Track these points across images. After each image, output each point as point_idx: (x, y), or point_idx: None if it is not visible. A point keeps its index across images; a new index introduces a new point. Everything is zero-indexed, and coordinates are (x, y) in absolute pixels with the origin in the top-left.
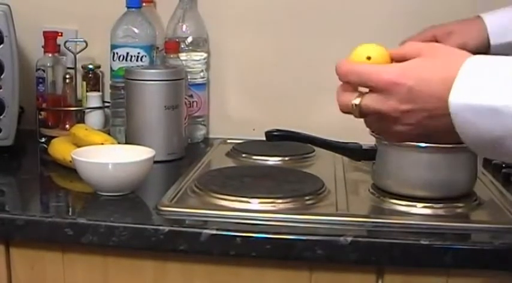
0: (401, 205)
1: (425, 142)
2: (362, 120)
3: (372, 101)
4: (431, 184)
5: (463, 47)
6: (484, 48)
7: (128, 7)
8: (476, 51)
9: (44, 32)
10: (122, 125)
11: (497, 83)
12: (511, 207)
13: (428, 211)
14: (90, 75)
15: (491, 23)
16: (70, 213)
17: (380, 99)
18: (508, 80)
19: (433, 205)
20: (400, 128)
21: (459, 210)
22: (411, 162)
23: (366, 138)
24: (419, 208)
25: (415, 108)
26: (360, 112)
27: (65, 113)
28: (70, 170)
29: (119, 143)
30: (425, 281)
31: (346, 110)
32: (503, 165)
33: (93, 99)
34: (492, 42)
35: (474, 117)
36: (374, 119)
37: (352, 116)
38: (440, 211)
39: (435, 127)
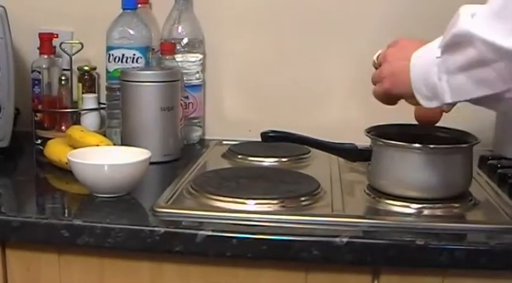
0: (397, 206)
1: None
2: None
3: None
4: (426, 185)
5: None
6: None
7: (124, 8)
8: None
9: (40, 34)
10: (117, 127)
11: (435, 41)
12: (506, 208)
13: (423, 211)
14: (85, 77)
15: None
16: (66, 215)
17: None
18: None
19: (429, 205)
20: (384, 66)
21: (455, 211)
22: (406, 163)
23: (361, 139)
24: (414, 209)
25: (397, 50)
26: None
27: (60, 115)
28: (66, 172)
29: (114, 145)
30: (421, 281)
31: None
32: (499, 166)
33: (88, 100)
34: None
35: (416, 62)
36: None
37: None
38: (435, 212)
39: (400, 64)
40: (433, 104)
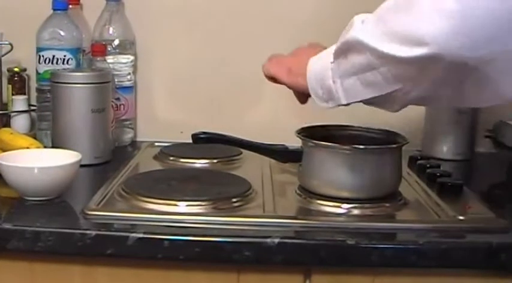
0: (328, 206)
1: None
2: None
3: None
4: (357, 185)
5: None
6: None
7: (54, 9)
8: None
9: None
10: (48, 129)
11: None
12: (435, 207)
13: (354, 211)
14: (15, 78)
15: None
16: None
17: None
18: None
19: (359, 205)
20: (287, 57)
21: (385, 210)
22: (336, 163)
23: (291, 140)
24: (345, 209)
25: (308, 48)
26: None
27: None
28: None
29: (45, 147)
30: (352, 281)
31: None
32: (428, 166)
33: (18, 102)
34: None
35: (313, 64)
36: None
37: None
38: (366, 212)
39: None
40: (329, 105)
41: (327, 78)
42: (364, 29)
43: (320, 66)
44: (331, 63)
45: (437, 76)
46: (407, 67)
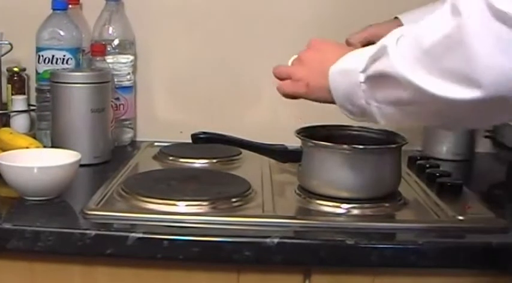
0: (328, 206)
1: (306, 92)
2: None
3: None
4: (356, 185)
5: None
6: None
7: (54, 9)
8: None
9: None
10: (47, 129)
11: (355, 55)
12: (434, 207)
13: (354, 211)
14: (15, 78)
15: (408, 23)
16: None
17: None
18: (362, 52)
19: (359, 205)
20: (298, 68)
21: (384, 210)
22: (336, 164)
23: (291, 140)
24: (344, 209)
25: (315, 54)
26: (292, 61)
27: None
28: None
29: (44, 147)
30: (352, 281)
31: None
32: (427, 166)
33: (18, 102)
34: None
35: (337, 77)
36: (295, 63)
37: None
38: (365, 212)
39: (317, 70)
40: (364, 120)
41: (358, 97)
42: (405, 62)
43: (347, 84)
44: (362, 83)
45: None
46: (460, 107)
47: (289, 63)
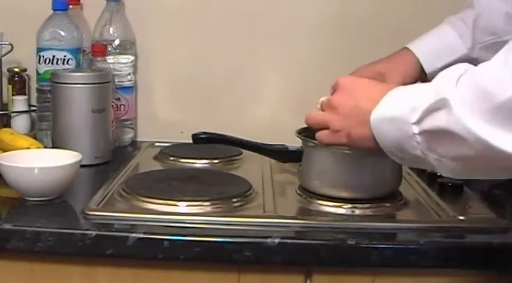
0: (328, 206)
1: (347, 143)
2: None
3: (328, 97)
4: (357, 185)
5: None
6: (421, 79)
7: (54, 9)
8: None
9: None
10: (48, 129)
11: (399, 100)
12: (435, 206)
13: (354, 211)
14: (15, 79)
15: (421, 53)
16: None
17: (333, 95)
18: (406, 97)
19: (359, 205)
20: (335, 117)
21: (385, 210)
22: (336, 164)
23: (292, 140)
24: (345, 209)
25: (348, 100)
26: (322, 105)
27: None
28: None
29: (45, 147)
30: (352, 281)
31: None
32: None
33: (19, 102)
34: (427, 71)
35: (382, 126)
36: (326, 110)
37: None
38: (366, 212)
39: (354, 119)
40: (419, 167)
41: (412, 148)
42: (474, 119)
43: (396, 133)
44: (416, 135)
45: None
46: None
47: (318, 106)
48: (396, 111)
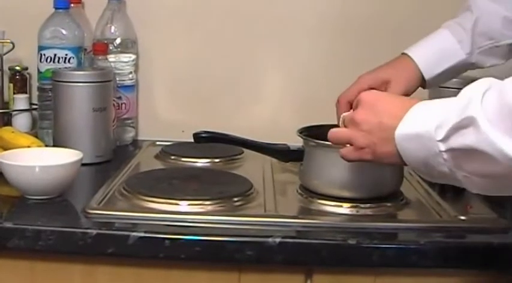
0: (329, 206)
1: (372, 159)
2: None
3: (350, 113)
4: (358, 184)
5: (406, 95)
6: (422, 85)
7: (56, 8)
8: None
9: None
10: (49, 128)
11: (423, 117)
12: (436, 206)
13: (355, 211)
14: (17, 77)
15: (420, 60)
16: None
17: (355, 111)
18: (430, 114)
19: (361, 205)
20: (358, 134)
21: (386, 210)
22: (338, 163)
23: (293, 139)
24: (346, 209)
25: (372, 116)
26: (343, 121)
27: None
28: None
29: (46, 146)
30: (353, 281)
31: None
32: None
33: (20, 101)
34: (426, 77)
35: (407, 143)
36: (349, 126)
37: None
38: (367, 211)
39: (379, 136)
40: (447, 182)
41: (439, 165)
42: (505, 138)
43: (422, 150)
44: (442, 152)
45: None
46: None
47: (340, 123)
48: (421, 128)
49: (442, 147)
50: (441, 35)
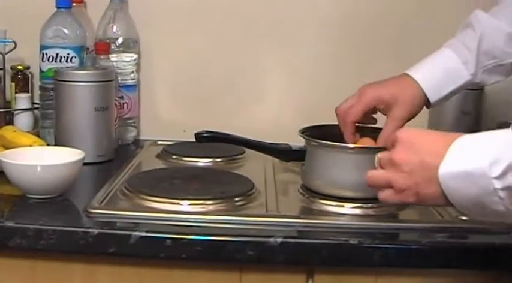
0: (331, 206)
1: (415, 202)
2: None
3: (387, 153)
4: (359, 184)
5: (411, 115)
6: (425, 105)
7: (58, 7)
8: None
9: None
10: (51, 127)
11: (471, 152)
12: (438, 207)
13: (357, 211)
14: (19, 76)
15: (424, 82)
16: None
17: (392, 151)
18: (480, 149)
19: (362, 205)
20: (399, 176)
21: (387, 210)
22: (339, 163)
23: (295, 139)
24: (348, 209)
25: (412, 156)
26: (379, 162)
27: None
28: None
29: (48, 145)
30: (354, 281)
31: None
32: None
33: (22, 100)
34: (432, 100)
35: (454, 182)
36: (387, 168)
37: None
38: (369, 211)
39: (421, 176)
40: (500, 221)
41: (493, 203)
42: None
43: (472, 190)
44: (497, 190)
45: None
46: None
47: (376, 163)
48: (469, 165)
49: (498, 184)
50: (444, 55)
